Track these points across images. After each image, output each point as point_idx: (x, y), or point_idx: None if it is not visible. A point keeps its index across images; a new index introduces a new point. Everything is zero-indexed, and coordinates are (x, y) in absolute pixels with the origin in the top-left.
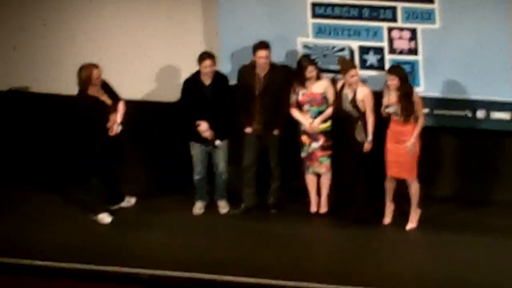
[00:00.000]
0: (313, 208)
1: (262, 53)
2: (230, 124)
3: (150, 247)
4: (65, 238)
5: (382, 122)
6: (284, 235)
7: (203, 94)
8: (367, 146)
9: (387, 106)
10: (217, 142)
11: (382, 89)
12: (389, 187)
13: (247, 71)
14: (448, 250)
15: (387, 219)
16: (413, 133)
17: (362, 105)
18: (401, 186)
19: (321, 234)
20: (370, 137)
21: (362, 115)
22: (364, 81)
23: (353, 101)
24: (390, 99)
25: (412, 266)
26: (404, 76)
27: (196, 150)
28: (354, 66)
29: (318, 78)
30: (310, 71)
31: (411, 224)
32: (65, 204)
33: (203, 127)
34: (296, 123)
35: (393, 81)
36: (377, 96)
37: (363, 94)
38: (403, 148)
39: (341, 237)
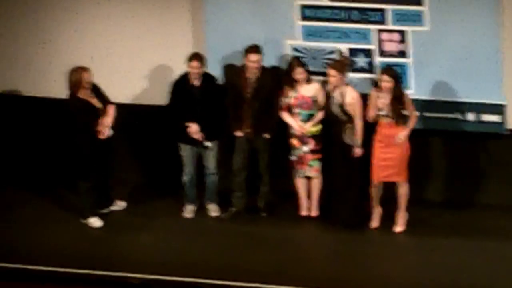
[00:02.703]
0: (303, 212)
1: (253, 57)
2: (220, 125)
3: (141, 251)
4: (56, 242)
5: (370, 126)
6: (274, 239)
7: (192, 95)
8: (357, 151)
9: (380, 109)
10: (207, 143)
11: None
12: (375, 193)
13: (237, 74)
14: (438, 253)
15: (375, 223)
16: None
17: (350, 108)
18: (388, 189)
19: (311, 238)
20: (359, 141)
21: (351, 119)
22: (353, 84)
23: (341, 104)
24: (382, 102)
25: (403, 270)
26: (398, 78)
27: (186, 152)
28: (334, 67)
29: (308, 81)
30: (299, 73)
31: (400, 227)
32: (55, 208)
33: (193, 129)
34: (286, 126)
35: (389, 83)
36: (366, 99)
37: (351, 98)
38: (394, 151)
39: (332, 241)
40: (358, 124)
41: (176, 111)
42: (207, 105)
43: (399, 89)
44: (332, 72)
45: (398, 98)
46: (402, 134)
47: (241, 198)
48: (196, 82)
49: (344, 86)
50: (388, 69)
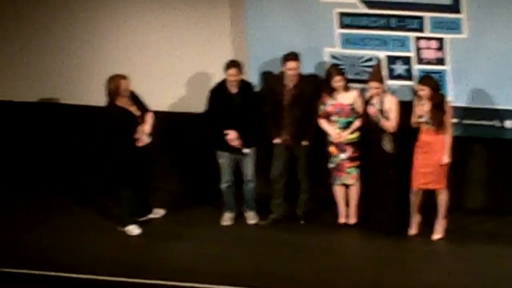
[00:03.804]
0: (342, 219)
1: (292, 64)
2: (258, 132)
3: (180, 259)
4: (94, 250)
5: (410, 133)
6: (312, 246)
7: (230, 102)
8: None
9: (420, 116)
10: (246, 150)
11: (410, 99)
12: (415, 200)
13: (275, 82)
14: (478, 261)
15: (413, 230)
16: (445, 145)
17: (389, 114)
18: (427, 196)
19: (349, 245)
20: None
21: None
22: (392, 91)
23: (380, 112)
24: (421, 109)
25: (442, 277)
26: (436, 86)
27: (224, 159)
28: (375, 79)
29: (346, 89)
30: (337, 81)
31: (438, 234)
32: (94, 216)
33: (232, 136)
34: (324, 134)
35: (424, 91)
36: (405, 106)
37: (390, 103)
38: (434, 158)
39: (370, 248)
40: (388, 125)
41: (214, 119)
42: (245, 112)
43: (439, 97)
44: (375, 84)
45: (437, 106)
46: (445, 156)
47: (280, 206)
48: (234, 90)
49: (383, 93)
50: (423, 77)
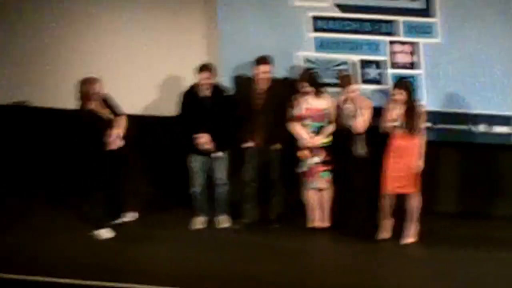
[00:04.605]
0: (312, 223)
1: (263, 68)
2: (230, 135)
3: (152, 262)
4: (67, 253)
5: (381, 137)
6: (285, 250)
7: (202, 106)
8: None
9: (394, 120)
10: (218, 154)
11: (383, 104)
12: (387, 204)
13: (247, 85)
14: (450, 264)
15: (384, 234)
16: (418, 150)
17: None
18: (399, 201)
19: (323, 249)
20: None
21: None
22: (365, 95)
23: (354, 115)
24: (395, 113)
25: (415, 281)
26: (412, 90)
27: (196, 163)
28: (353, 82)
29: (320, 93)
30: (304, 87)
31: (410, 238)
32: (66, 219)
33: (204, 139)
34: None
35: (401, 96)
36: (377, 111)
37: (364, 104)
38: (406, 163)
39: (343, 252)
40: (358, 123)
41: (186, 122)
42: (217, 116)
43: (413, 101)
44: (354, 87)
45: (411, 110)
46: (420, 162)
47: (252, 210)
48: (206, 93)
49: (357, 97)
50: (400, 82)
